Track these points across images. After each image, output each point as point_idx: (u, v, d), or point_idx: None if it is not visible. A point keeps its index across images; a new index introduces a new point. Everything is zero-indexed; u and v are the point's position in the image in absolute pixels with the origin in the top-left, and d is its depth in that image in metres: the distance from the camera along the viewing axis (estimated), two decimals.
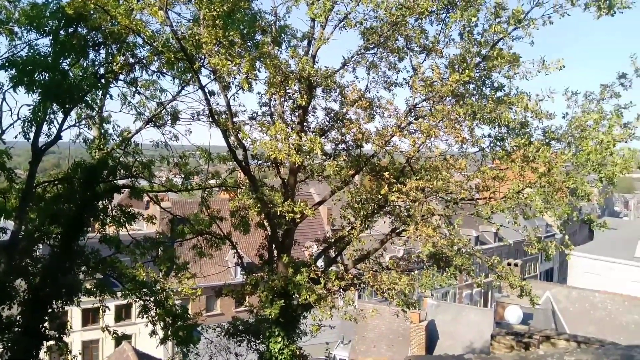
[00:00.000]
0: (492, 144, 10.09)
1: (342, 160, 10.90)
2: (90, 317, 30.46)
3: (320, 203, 12.92)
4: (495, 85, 10.06)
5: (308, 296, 9.64)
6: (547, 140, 9.57)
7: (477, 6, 9.18)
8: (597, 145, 8.12)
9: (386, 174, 9.23)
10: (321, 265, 12.34)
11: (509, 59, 9.28)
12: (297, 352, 11.41)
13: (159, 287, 12.14)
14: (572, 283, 38.32)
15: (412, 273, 10.29)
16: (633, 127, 9.05)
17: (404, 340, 27.25)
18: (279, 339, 11.08)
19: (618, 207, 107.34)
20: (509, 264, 28.27)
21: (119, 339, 14.20)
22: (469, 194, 9.69)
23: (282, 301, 10.25)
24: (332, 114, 11.66)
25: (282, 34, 11.38)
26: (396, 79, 11.18)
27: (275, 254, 11.87)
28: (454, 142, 9.79)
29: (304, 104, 9.90)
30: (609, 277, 37.51)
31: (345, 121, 10.81)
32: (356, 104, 10.51)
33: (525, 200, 8.49)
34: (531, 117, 9.32)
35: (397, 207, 11.05)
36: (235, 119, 10.60)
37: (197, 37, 9.20)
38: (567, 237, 9.26)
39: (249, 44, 10.46)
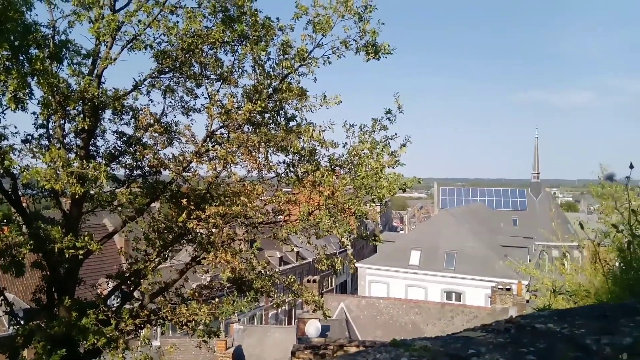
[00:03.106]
0: (286, 170, 10.77)
1: (137, 188, 10.24)
2: None
3: (110, 235, 11.82)
4: (288, 115, 10.83)
5: (96, 340, 8.67)
6: (332, 167, 10.63)
7: (268, 41, 9.81)
8: (370, 171, 9.35)
9: (184, 201, 8.99)
10: (115, 303, 11.26)
11: (298, 92, 10.10)
12: None
13: None
14: (362, 293, 42.84)
15: (213, 301, 10.14)
16: (398, 155, 10.71)
17: None
18: None
19: (396, 222, 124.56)
20: (308, 281, 30.16)
21: None
22: (267, 218, 10.10)
23: (64, 350, 8.98)
24: (124, 138, 10.90)
25: (64, 50, 10.26)
26: (194, 105, 11.11)
27: (56, 297, 10.36)
28: (252, 169, 10.14)
29: (86, 127, 9.02)
30: (391, 284, 43.11)
31: (138, 146, 10.22)
32: (151, 128, 10.06)
33: (315, 221, 9.24)
34: (318, 145, 10.26)
35: (199, 234, 10.84)
36: (2, 143, 9.06)
37: None
38: (350, 252, 10.35)
39: (21, 57, 9.14)
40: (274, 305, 10.72)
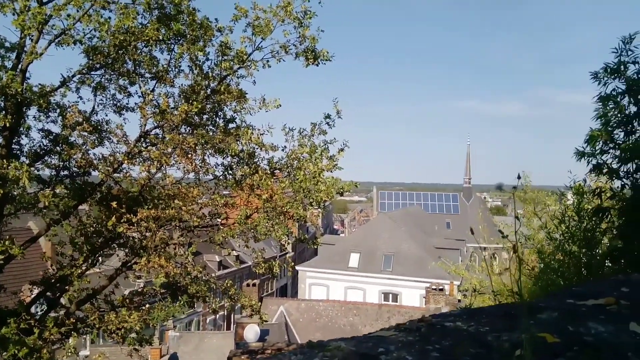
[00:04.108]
0: (224, 173, 10.62)
1: (63, 189, 9.71)
2: None
3: (33, 240, 11.12)
4: (228, 117, 10.69)
5: (17, 351, 8.11)
6: (271, 170, 10.62)
7: (206, 42, 9.65)
8: (308, 175, 9.44)
9: (114, 203, 8.62)
10: (40, 311, 10.60)
11: (237, 95, 10.00)
12: None
13: None
14: (302, 295, 43.00)
15: (143, 308, 9.79)
16: (336, 159, 10.88)
17: None
18: None
19: (336, 225, 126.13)
20: (247, 285, 29.85)
21: None
22: (204, 221, 9.90)
23: None
24: (50, 137, 10.30)
25: None
26: (127, 103, 10.70)
27: None
28: (188, 171, 9.91)
29: (7, 124, 8.46)
30: (331, 287, 43.55)
31: (64, 146, 9.70)
32: (79, 127, 9.57)
33: (252, 224, 9.18)
34: (258, 148, 10.21)
35: (131, 238, 10.43)
36: None
37: None
38: (289, 255, 10.36)
39: None
40: (210, 311, 10.51)
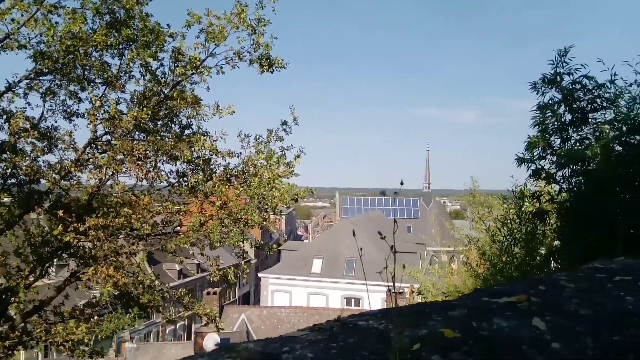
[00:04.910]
0: (178, 180, 10.49)
1: (7, 197, 9.36)
2: None
3: None
4: (183, 124, 10.59)
5: None
6: (227, 177, 10.57)
7: (160, 47, 9.54)
8: (262, 181, 9.46)
9: (60, 212, 8.37)
10: None
11: (192, 101, 9.93)
12: None
13: None
14: (265, 302, 42.68)
15: (93, 319, 9.52)
16: (293, 165, 10.95)
17: None
18: None
19: (300, 231, 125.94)
20: (208, 293, 29.42)
21: None
22: (156, 229, 9.74)
23: None
24: None
25: None
26: (77, 109, 10.44)
27: None
28: (140, 178, 9.74)
29: None
30: (294, 293, 43.42)
31: (10, 153, 9.36)
32: (24, 134, 9.27)
33: (206, 232, 9.11)
34: (212, 154, 10.15)
35: (82, 248, 10.13)
36: None
37: None
38: (243, 262, 10.33)
39: None
40: (165, 321, 10.32)
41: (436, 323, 2.00)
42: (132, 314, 9.10)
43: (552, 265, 7.66)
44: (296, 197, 9.72)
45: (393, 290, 1.77)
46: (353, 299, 42.01)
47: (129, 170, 9.06)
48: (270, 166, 9.59)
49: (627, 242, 6.15)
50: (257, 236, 50.70)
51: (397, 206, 67.47)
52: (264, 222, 9.83)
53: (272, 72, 10.21)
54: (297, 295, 43.03)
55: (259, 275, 42.85)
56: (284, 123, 11.07)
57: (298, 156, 10.79)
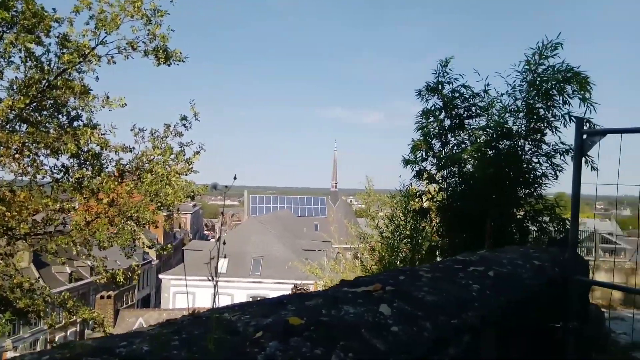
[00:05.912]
0: (65, 176, 9.76)
1: None
2: None
3: None
4: (72, 115, 9.85)
5: None
6: (119, 172, 10.03)
7: (46, 32, 8.82)
8: (156, 178, 9.12)
9: None
10: None
11: (79, 91, 9.29)
12: None
13: None
14: (166, 305, 41.05)
15: None
16: (191, 162, 10.67)
17: None
18: None
19: (207, 231, 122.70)
20: (102, 297, 27.64)
21: None
22: (35, 229, 8.99)
23: None
24: None
25: None
26: None
27: None
28: (18, 172, 8.92)
29: None
30: (197, 294, 42.20)
31: None
32: None
33: (91, 231, 8.59)
34: (102, 149, 9.57)
35: None
36: None
37: None
38: (134, 263, 9.88)
39: None
40: (48, 327, 9.56)
41: (288, 312, 2.11)
42: (4, 319, 8.32)
43: (438, 259, 8.29)
44: (192, 194, 9.50)
45: (214, 282, 1.85)
46: (259, 298, 41.86)
47: (5, 165, 8.26)
48: (165, 162, 9.28)
49: (494, 237, 6.85)
50: (159, 236, 48.55)
51: (305, 205, 68.44)
52: (159, 221, 9.49)
53: (169, 65, 9.88)
54: (201, 296, 41.89)
55: (160, 276, 41.08)
56: (184, 118, 10.76)
57: (197, 152, 10.56)
